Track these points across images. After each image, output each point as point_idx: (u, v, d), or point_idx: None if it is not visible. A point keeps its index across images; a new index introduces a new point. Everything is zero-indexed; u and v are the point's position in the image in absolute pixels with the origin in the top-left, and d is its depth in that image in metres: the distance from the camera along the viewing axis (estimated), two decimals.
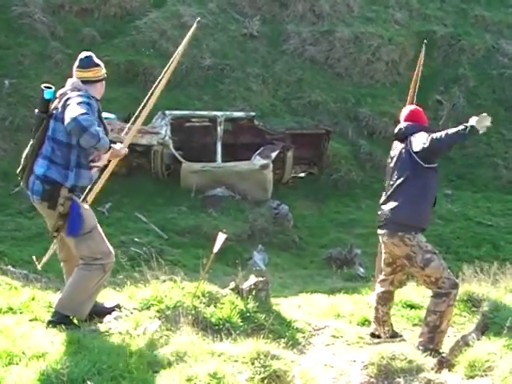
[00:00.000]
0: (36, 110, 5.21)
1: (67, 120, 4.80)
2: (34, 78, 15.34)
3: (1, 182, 12.93)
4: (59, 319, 5.09)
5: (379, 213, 5.88)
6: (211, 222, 12.48)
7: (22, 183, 5.30)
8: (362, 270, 11.15)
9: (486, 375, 4.75)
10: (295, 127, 15.80)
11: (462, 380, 4.85)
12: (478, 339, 5.44)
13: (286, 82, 17.50)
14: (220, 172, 13.58)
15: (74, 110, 4.81)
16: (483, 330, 5.64)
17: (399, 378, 4.68)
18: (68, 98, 4.98)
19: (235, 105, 16.07)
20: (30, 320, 5.23)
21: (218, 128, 14.11)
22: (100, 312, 5.40)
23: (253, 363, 4.62)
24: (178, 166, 13.52)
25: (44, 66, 15.74)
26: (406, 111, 6.13)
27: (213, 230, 10.79)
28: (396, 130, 5.99)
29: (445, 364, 5.20)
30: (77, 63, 5.23)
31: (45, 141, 5.10)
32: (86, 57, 5.22)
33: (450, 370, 5.07)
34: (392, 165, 5.88)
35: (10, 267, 8.03)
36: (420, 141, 5.61)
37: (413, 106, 6.33)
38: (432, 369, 4.93)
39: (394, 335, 5.97)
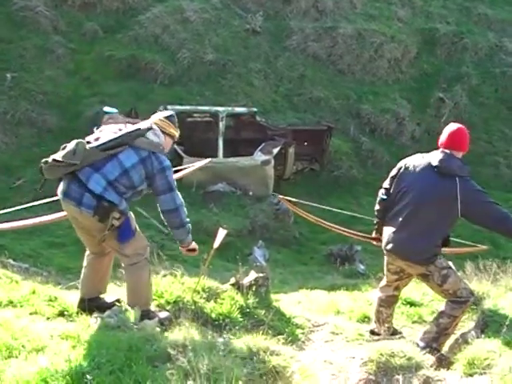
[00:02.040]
0: (122, 131, 5.09)
1: (171, 203, 5.16)
2: (36, 71, 15.36)
3: (1, 175, 12.91)
4: (145, 315, 5.18)
5: (392, 236, 5.60)
6: (212, 217, 12.49)
7: (45, 177, 4.98)
8: (362, 266, 11.16)
9: (484, 373, 4.74)
10: (297, 123, 15.84)
11: (460, 378, 4.84)
12: (478, 337, 5.43)
13: (288, 78, 17.50)
14: (221, 167, 13.56)
15: (176, 201, 5.15)
16: (483, 327, 5.63)
17: (398, 375, 4.68)
18: (163, 169, 5.07)
19: (237, 100, 16.07)
20: (30, 314, 5.21)
21: (220, 123, 14.11)
22: (100, 306, 5.40)
23: (252, 359, 4.62)
24: (180, 161, 13.49)
25: (46, 60, 15.74)
26: (449, 131, 5.64)
27: (213, 226, 10.78)
28: (437, 162, 5.51)
29: (444, 361, 5.21)
30: (164, 114, 5.37)
31: (111, 161, 5.03)
32: (173, 115, 5.40)
33: (448, 368, 5.08)
34: (418, 187, 5.49)
35: (10, 261, 8.02)
36: (487, 214, 5.37)
37: (458, 126, 5.70)
38: (431, 366, 4.93)
39: (394, 333, 5.96)
